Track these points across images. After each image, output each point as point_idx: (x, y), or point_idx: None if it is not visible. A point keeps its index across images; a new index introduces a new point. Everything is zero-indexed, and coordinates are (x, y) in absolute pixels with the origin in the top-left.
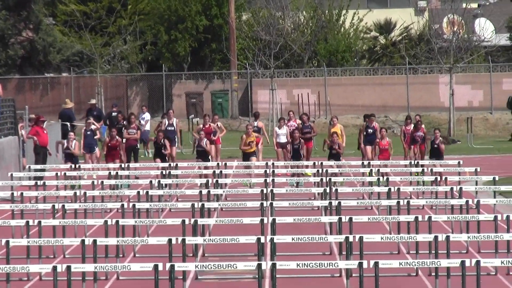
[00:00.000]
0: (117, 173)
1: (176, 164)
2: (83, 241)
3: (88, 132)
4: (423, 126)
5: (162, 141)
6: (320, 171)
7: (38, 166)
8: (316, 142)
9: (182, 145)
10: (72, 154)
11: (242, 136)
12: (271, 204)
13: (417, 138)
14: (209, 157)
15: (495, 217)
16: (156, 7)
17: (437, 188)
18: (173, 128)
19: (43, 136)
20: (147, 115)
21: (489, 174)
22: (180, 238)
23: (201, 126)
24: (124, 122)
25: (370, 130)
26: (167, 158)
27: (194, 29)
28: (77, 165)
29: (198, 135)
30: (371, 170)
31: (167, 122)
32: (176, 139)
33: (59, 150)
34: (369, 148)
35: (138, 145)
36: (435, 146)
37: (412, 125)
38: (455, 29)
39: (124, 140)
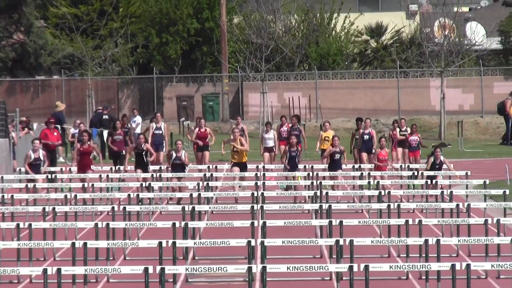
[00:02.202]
0: (107, 175)
1: (167, 167)
2: (73, 243)
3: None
4: (402, 129)
5: (143, 145)
6: (311, 174)
7: (53, 168)
8: (309, 146)
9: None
10: (38, 166)
11: (229, 140)
12: (262, 207)
13: (412, 143)
14: (186, 169)
15: (486, 220)
16: (148, 10)
17: (427, 192)
18: (161, 132)
19: (52, 138)
20: (138, 118)
21: (479, 177)
22: (170, 241)
23: (197, 129)
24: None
25: (366, 137)
26: (149, 166)
27: (186, 32)
28: (39, 176)
29: (193, 139)
30: (362, 173)
31: (154, 126)
32: (164, 144)
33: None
34: (364, 155)
35: (124, 150)
36: (437, 166)
37: (398, 130)
38: (446, 32)
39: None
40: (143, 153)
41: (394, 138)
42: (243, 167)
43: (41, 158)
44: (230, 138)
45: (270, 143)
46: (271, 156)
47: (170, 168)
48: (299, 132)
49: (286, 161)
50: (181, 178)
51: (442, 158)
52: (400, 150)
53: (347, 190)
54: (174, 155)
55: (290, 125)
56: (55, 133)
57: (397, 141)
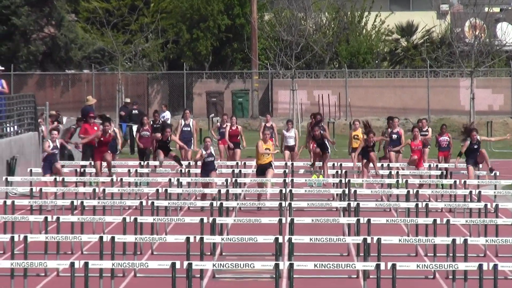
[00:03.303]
0: (136, 170)
1: (196, 162)
2: (101, 237)
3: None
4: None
5: (169, 138)
6: (339, 172)
7: (83, 162)
8: (338, 144)
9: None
10: (54, 155)
11: (258, 143)
12: (290, 204)
13: (442, 143)
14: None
15: None
16: (179, 6)
17: (456, 192)
18: (189, 129)
19: (92, 133)
20: (167, 114)
21: (508, 178)
22: (198, 237)
23: (228, 127)
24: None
25: (394, 136)
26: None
27: (216, 28)
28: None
29: (216, 136)
30: (390, 172)
31: (183, 123)
32: (192, 140)
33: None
34: (393, 155)
35: (151, 147)
36: (475, 147)
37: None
38: (477, 33)
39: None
40: (168, 144)
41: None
42: (269, 166)
43: (58, 145)
44: (260, 141)
45: (291, 142)
46: (292, 155)
47: (201, 169)
48: (323, 130)
49: (316, 149)
50: (210, 182)
51: (478, 137)
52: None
53: (375, 188)
54: (204, 152)
55: (313, 121)
56: (95, 127)
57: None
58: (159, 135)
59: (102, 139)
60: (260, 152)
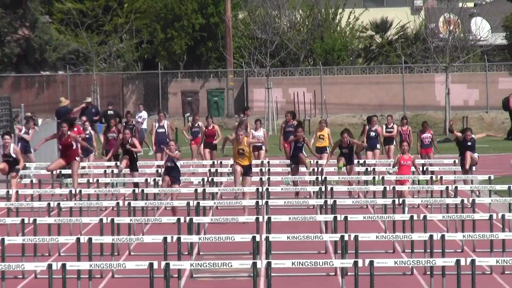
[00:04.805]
0: (112, 171)
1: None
2: (78, 239)
3: (87, 135)
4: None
5: (129, 140)
6: (316, 169)
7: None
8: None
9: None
10: (13, 162)
11: (231, 137)
12: (267, 202)
13: (425, 140)
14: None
15: (490, 216)
16: (153, 6)
17: (432, 187)
18: (163, 131)
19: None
20: (144, 114)
21: (484, 173)
22: (175, 237)
23: (204, 127)
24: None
25: (372, 133)
26: (135, 156)
27: (190, 27)
28: (18, 173)
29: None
30: (367, 169)
31: (157, 125)
32: (168, 142)
33: None
34: (370, 153)
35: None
36: (469, 143)
37: (384, 126)
38: (451, 28)
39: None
40: (129, 148)
41: (403, 134)
42: (248, 169)
43: (12, 154)
44: (233, 137)
45: None
46: (259, 155)
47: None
48: (293, 128)
49: (291, 152)
50: (175, 184)
51: (474, 136)
52: (386, 147)
53: (352, 185)
54: (167, 156)
55: (294, 122)
56: (76, 129)
57: (384, 138)
58: (121, 135)
59: (61, 142)
60: (230, 138)
